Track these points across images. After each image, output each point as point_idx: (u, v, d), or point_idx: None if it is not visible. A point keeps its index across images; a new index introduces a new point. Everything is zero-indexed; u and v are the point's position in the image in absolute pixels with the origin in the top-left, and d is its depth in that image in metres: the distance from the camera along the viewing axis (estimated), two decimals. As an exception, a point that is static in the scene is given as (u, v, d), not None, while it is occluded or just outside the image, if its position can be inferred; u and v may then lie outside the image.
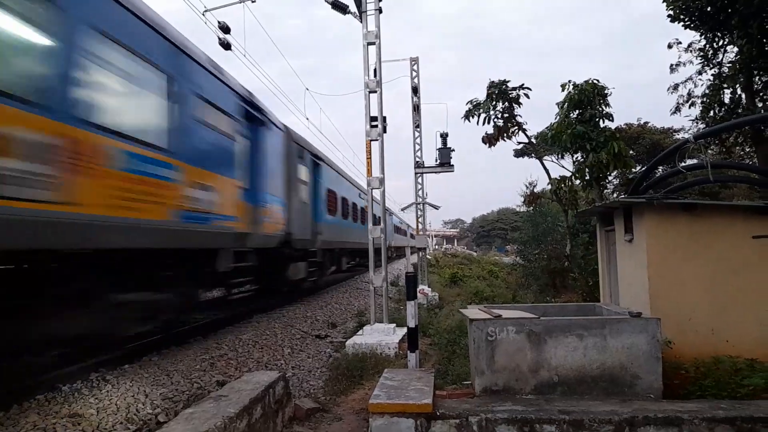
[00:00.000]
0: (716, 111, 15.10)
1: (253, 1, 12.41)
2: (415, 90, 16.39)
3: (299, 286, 13.63)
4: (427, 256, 20.65)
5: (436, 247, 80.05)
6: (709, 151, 16.89)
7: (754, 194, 17.05)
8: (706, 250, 6.12)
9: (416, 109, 16.57)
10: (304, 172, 13.61)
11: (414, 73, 16.43)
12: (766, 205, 6.14)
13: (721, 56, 15.25)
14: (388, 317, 9.44)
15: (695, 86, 17.45)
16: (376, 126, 9.43)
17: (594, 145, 11.64)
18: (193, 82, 7.72)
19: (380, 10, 9.56)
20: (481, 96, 14.11)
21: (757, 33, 12.12)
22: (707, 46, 15.31)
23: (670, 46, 17.08)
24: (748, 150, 17.32)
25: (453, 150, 16.67)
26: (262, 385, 4.67)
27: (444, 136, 16.78)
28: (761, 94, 14.48)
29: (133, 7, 6.21)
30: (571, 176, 13.44)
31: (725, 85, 14.87)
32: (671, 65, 17.68)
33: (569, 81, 12.39)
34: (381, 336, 8.62)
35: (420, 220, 17.39)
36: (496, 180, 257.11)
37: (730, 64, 14.66)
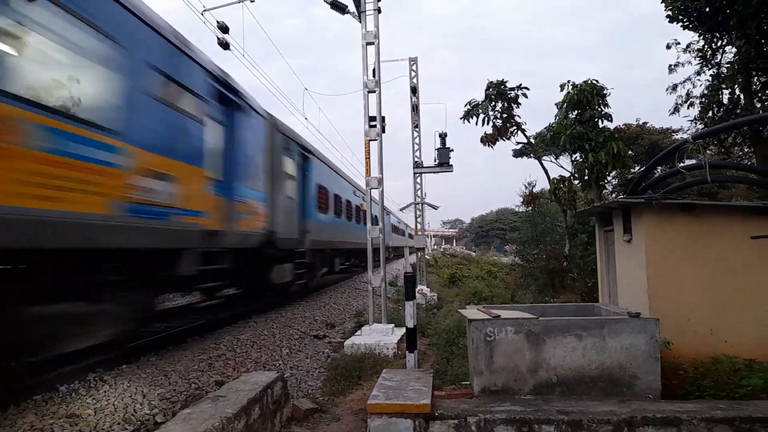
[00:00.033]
0: (715, 111, 15.10)
1: (252, 1, 12.39)
2: (414, 90, 16.39)
3: (286, 289, 12.82)
4: (426, 257, 20.65)
5: (435, 247, 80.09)
6: (708, 152, 16.94)
7: (752, 194, 17.07)
8: (705, 250, 6.12)
9: (415, 109, 16.57)
10: (290, 166, 12.63)
11: (413, 74, 16.44)
12: (765, 206, 6.13)
13: (719, 57, 15.25)
14: (386, 317, 9.43)
15: (694, 87, 17.49)
16: (375, 126, 9.42)
17: (593, 146, 11.65)
18: (150, 53, 6.61)
19: (379, 10, 9.56)
20: (481, 96, 14.14)
21: (756, 34, 12.12)
22: (706, 46, 15.32)
23: (668, 47, 17.11)
24: (746, 150, 17.32)
25: (452, 150, 16.68)
26: (260, 385, 4.66)
27: (443, 136, 16.78)
28: (760, 94, 14.48)
29: None
30: (570, 176, 13.45)
31: (724, 86, 14.87)
32: (670, 66, 17.72)
33: (568, 81, 12.40)
34: (379, 336, 8.61)
35: (419, 220, 17.38)
36: (495, 180, 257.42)
37: (729, 65, 14.66)
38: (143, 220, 6.32)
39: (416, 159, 16.64)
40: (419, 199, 17.26)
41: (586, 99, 11.99)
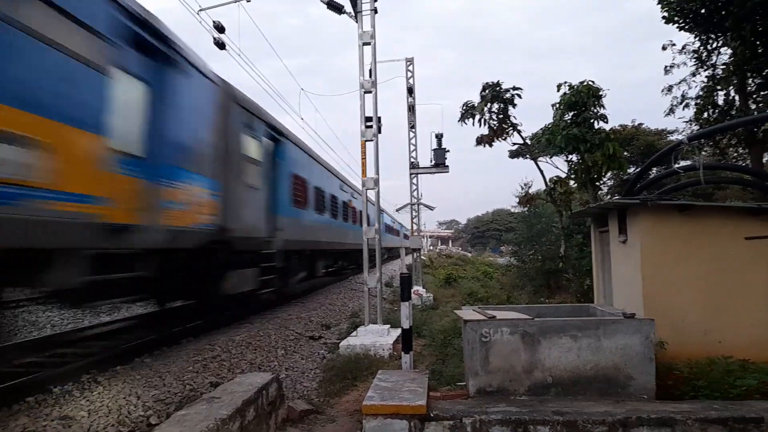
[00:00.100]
0: (710, 113, 15.18)
1: (248, 1, 12.37)
2: (410, 90, 16.40)
3: (248, 300, 10.58)
4: (422, 257, 20.65)
5: (431, 247, 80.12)
6: (704, 153, 16.99)
7: (747, 195, 17.14)
8: (700, 251, 6.14)
9: (411, 109, 16.58)
10: (254, 148, 10.33)
11: (409, 74, 16.45)
12: (759, 207, 6.16)
13: (714, 58, 15.33)
14: (382, 318, 9.42)
15: (689, 88, 17.54)
16: (371, 126, 9.41)
17: (588, 147, 11.68)
18: None
19: (375, 11, 9.56)
20: (478, 96, 14.16)
21: (751, 35, 12.19)
22: (701, 48, 15.39)
23: (664, 48, 17.17)
24: (741, 151, 17.41)
25: (448, 151, 16.69)
26: (255, 386, 4.64)
27: (439, 137, 16.79)
28: (754, 96, 14.57)
29: None
30: (566, 177, 13.47)
31: (719, 87, 14.96)
32: (666, 67, 17.76)
33: (565, 82, 12.43)
34: (375, 337, 8.60)
35: (415, 220, 17.38)
36: (491, 181, 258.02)
37: (724, 66, 14.74)
38: None
39: (412, 159, 16.65)
40: (415, 200, 17.26)
41: (581, 100, 12.03)
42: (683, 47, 16.62)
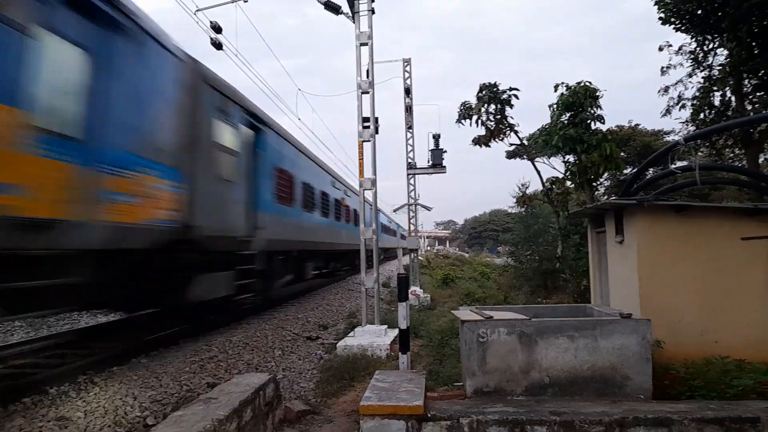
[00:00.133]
0: (706, 113, 15.22)
1: (245, 1, 12.36)
2: (408, 91, 16.42)
3: (226, 306, 9.53)
4: (419, 258, 20.65)
5: (428, 248, 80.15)
6: (700, 153, 17.06)
7: (743, 196, 17.20)
8: (696, 251, 6.16)
9: (408, 110, 16.60)
10: (229, 136, 9.16)
11: (406, 75, 16.47)
12: (755, 207, 6.18)
13: (711, 59, 15.38)
14: (379, 319, 9.42)
15: (685, 89, 17.59)
16: (368, 127, 9.42)
17: (585, 148, 11.70)
18: None
19: (373, 11, 9.57)
20: (475, 97, 14.17)
21: (747, 36, 12.23)
22: (697, 48, 15.44)
23: (661, 49, 17.21)
24: (737, 152, 17.46)
25: (445, 151, 16.72)
26: (252, 387, 4.63)
27: (436, 138, 16.82)
28: (750, 96, 14.62)
29: None
30: (563, 178, 13.49)
31: (715, 88, 15.00)
32: (662, 68, 17.80)
33: (562, 83, 12.45)
34: (372, 337, 8.60)
35: (412, 221, 17.39)
36: (489, 181, 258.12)
37: (720, 67, 14.79)
38: None
39: (410, 160, 16.66)
40: (412, 200, 17.27)
41: (578, 101, 12.04)
42: (680, 48, 16.68)
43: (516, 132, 14.36)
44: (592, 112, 12.16)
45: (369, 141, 9.44)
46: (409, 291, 8.41)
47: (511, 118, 14.15)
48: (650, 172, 13.42)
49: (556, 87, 12.50)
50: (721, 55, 14.79)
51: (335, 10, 9.88)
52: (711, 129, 12.14)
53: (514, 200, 17.97)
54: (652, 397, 4.88)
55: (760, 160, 16.81)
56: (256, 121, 10.59)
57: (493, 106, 13.87)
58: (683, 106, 17.44)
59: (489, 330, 5.09)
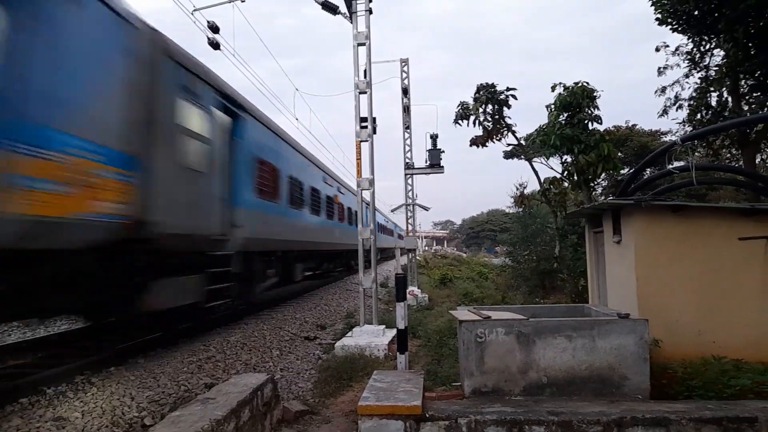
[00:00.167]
0: (703, 114, 15.28)
1: (242, 1, 12.34)
2: (405, 91, 16.42)
3: (194, 314, 8.54)
4: (417, 258, 20.65)
5: (426, 248, 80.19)
6: (697, 154, 17.11)
7: (740, 196, 17.26)
8: (694, 251, 6.17)
9: (406, 110, 16.60)
10: (199, 120, 8.02)
11: (404, 75, 16.47)
12: (752, 207, 6.19)
13: (707, 60, 15.45)
14: (377, 319, 9.42)
15: (682, 89, 17.68)
16: (366, 127, 9.42)
17: (582, 148, 11.72)
18: None
19: (370, 11, 9.56)
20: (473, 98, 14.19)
21: (743, 37, 12.27)
22: (694, 49, 15.50)
23: (657, 50, 17.28)
24: (734, 152, 17.53)
25: (443, 151, 16.72)
26: (250, 387, 4.63)
27: (434, 138, 16.82)
28: (747, 97, 14.67)
29: None
30: (560, 178, 13.51)
31: (712, 89, 15.06)
32: (659, 68, 17.88)
33: (559, 83, 12.48)
34: (370, 337, 8.60)
35: (410, 221, 17.40)
36: (487, 181, 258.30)
37: (717, 68, 14.85)
38: None
39: (407, 160, 16.66)
40: (410, 201, 17.28)
41: (576, 101, 12.07)
42: (676, 49, 16.76)
43: (513, 132, 14.40)
44: (590, 112, 12.19)
45: (367, 141, 9.44)
46: (407, 291, 8.40)
47: (509, 118, 14.20)
48: (647, 172, 13.49)
49: (553, 87, 12.54)
50: (718, 55, 14.89)
51: (333, 10, 9.88)
52: (708, 129, 12.16)
53: (512, 200, 18.00)
54: (650, 397, 4.89)
55: (757, 160, 16.86)
56: (233, 106, 9.45)
57: (490, 107, 13.90)
58: (680, 107, 17.53)
59: (487, 330, 5.09)
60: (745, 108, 14.42)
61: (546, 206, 15.25)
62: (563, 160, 13.11)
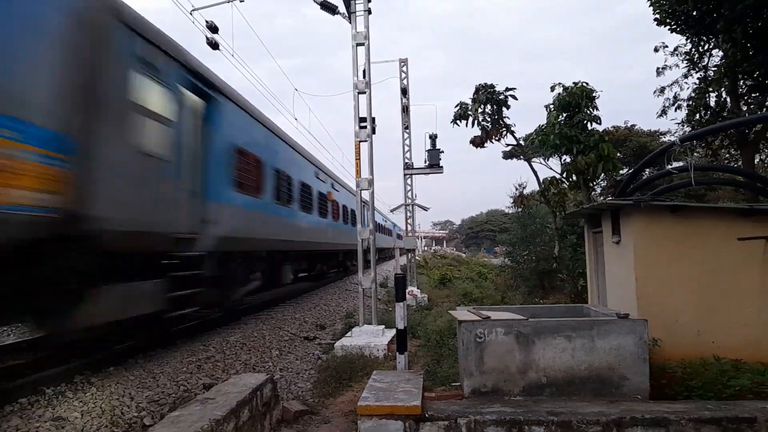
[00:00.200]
0: (702, 114, 15.30)
1: (241, 1, 12.34)
2: (404, 91, 16.42)
3: (154, 328, 7.61)
4: (416, 258, 20.65)
5: (425, 248, 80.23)
6: (696, 154, 17.14)
7: (739, 196, 17.29)
8: (693, 251, 6.18)
9: (405, 110, 16.60)
10: (160, 99, 6.95)
11: (403, 75, 16.47)
12: (751, 208, 6.20)
13: (706, 60, 15.48)
14: (376, 319, 9.42)
15: (681, 89, 17.71)
16: (365, 127, 9.42)
17: (581, 148, 11.73)
18: None
19: (369, 11, 9.57)
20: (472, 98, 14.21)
21: (742, 37, 12.29)
22: (693, 49, 15.52)
23: (656, 50, 17.31)
24: (733, 153, 17.56)
25: (442, 151, 16.73)
26: (249, 387, 4.63)
27: (433, 138, 16.83)
28: (746, 97, 14.70)
29: None
30: (559, 178, 13.52)
31: (711, 89, 15.08)
32: (658, 68, 17.90)
33: (559, 84, 12.49)
34: (370, 338, 8.60)
35: (409, 221, 17.40)
36: (486, 181, 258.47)
37: (716, 68, 14.87)
38: None
39: (406, 160, 16.67)
40: (410, 201, 17.28)
41: (575, 101, 12.07)
42: (675, 49, 16.78)
43: (512, 132, 14.41)
44: (589, 112, 12.20)
45: (366, 141, 9.44)
46: (407, 291, 8.40)
47: (507, 118, 14.20)
48: (646, 172, 13.51)
49: (552, 87, 12.55)
50: (717, 56, 14.92)
51: (332, 10, 9.88)
52: (707, 130, 12.18)
53: (511, 200, 18.01)
54: (650, 397, 4.89)
55: (756, 160, 16.88)
56: (207, 87, 8.33)
57: (489, 107, 13.91)
58: (679, 107, 17.55)
59: (486, 330, 5.09)
60: (744, 108, 14.45)
61: (545, 206, 15.25)
62: (562, 161, 13.13)
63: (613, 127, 27.25)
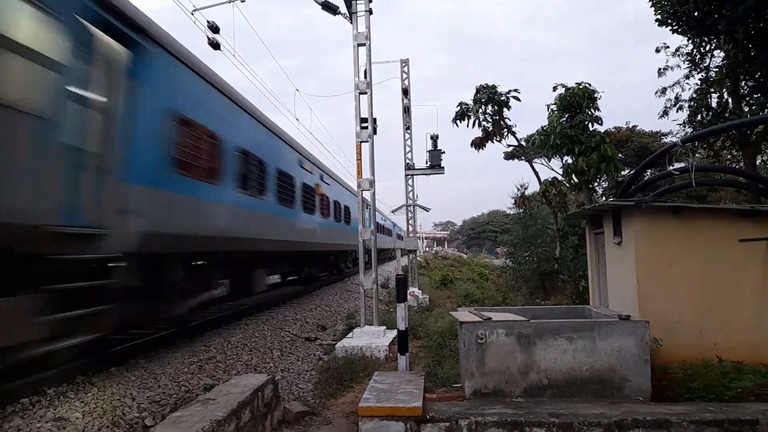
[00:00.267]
0: (703, 115, 15.30)
1: (242, 1, 12.35)
2: (406, 92, 16.42)
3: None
4: (418, 259, 20.64)
5: (427, 249, 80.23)
6: (698, 155, 17.12)
7: (741, 197, 17.27)
8: (694, 252, 6.17)
9: (406, 110, 16.59)
10: (32, 29, 4.82)
11: (404, 75, 16.46)
12: (752, 209, 6.19)
13: (708, 61, 15.48)
14: (378, 319, 9.42)
15: (683, 90, 17.72)
16: (367, 128, 9.42)
17: (583, 149, 11.72)
18: None
19: (370, 12, 9.57)
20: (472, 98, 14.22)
21: (743, 38, 12.28)
22: (694, 50, 15.52)
23: (658, 51, 17.31)
24: (735, 153, 17.54)
25: (443, 152, 16.72)
26: (250, 388, 4.63)
27: (434, 138, 16.82)
28: (747, 98, 14.69)
29: None
30: (560, 181, 13.51)
31: (712, 90, 15.08)
32: (659, 69, 17.90)
33: (560, 84, 12.48)
34: (371, 338, 8.60)
35: (410, 222, 17.40)
36: (487, 182, 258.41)
37: (717, 69, 14.86)
38: None
39: (408, 161, 16.66)
40: (411, 201, 17.28)
41: (577, 102, 12.06)
42: (677, 50, 16.78)
43: (514, 133, 14.41)
44: (590, 113, 12.19)
45: (367, 142, 9.44)
46: (408, 292, 8.39)
47: (508, 119, 14.21)
48: (648, 173, 13.49)
49: (554, 88, 12.54)
50: (718, 57, 14.91)
51: (333, 10, 9.89)
52: (708, 131, 12.18)
53: (513, 201, 18.01)
54: (651, 399, 4.89)
55: (757, 161, 16.87)
56: (134, 31, 6.36)
57: (490, 108, 13.91)
58: (680, 108, 17.56)
59: (488, 331, 5.09)
60: (746, 109, 14.44)
61: (546, 207, 15.24)
62: (564, 162, 13.11)
63: (615, 127, 27.25)
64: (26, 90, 4.80)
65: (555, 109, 12.42)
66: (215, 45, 12.23)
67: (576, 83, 12.30)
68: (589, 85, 12.25)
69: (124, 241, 6.01)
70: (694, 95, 16.01)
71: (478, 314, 5.57)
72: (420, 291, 15.56)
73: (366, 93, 9.50)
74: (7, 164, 4.57)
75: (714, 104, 15.13)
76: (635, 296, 6.17)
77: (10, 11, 4.69)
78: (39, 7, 4.90)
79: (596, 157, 11.45)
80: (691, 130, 16.26)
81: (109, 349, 6.97)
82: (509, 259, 21.64)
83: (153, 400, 5.47)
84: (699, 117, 15.45)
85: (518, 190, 17.43)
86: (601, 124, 12.32)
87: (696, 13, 13.35)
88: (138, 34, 6.47)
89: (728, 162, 18.19)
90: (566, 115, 12.30)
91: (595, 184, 13.97)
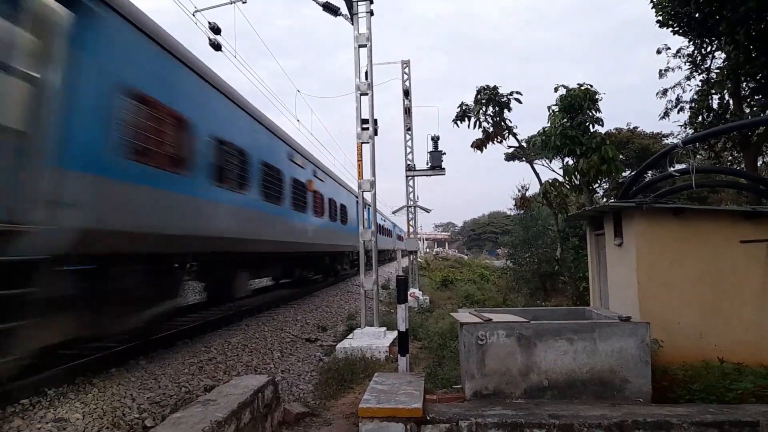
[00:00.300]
0: (704, 116, 15.28)
1: (243, 2, 12.36)
2: (407, 93, 16.42)
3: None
4: (418, 260, 20.64)
5: (427, 250, 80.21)
6: (699, 156, 17.11)
7: (741, 199, 17.26)
8: (695, 254, 6.16)
9: (407, 111, 16.60)
10: None
11: (405, 76, 16.47)
12: (753, 210, 6.19)
13: (709, 62, 15.46)
14: (378, 321, 9.41)
15: (684, 91, 17.71)
16: (367, 128, 9.42)
17: (584, 150, 11.72)
18: None
19: (371, 13, 9.57)
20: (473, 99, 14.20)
21: (744, 39, 12.27)
22: (695, 51, 15.51)
23: (659, 52, 17.29)
24: (736, 155, 17.53)
25: (444, 153, 16.72)
26: (250, 389, 4.63)
27: (435, 140, 16.82)
28: (748, 99, 14.68)
29: None
30: (561, 182, 13.50)
31: (713, 91, 15.06)
32: (660, 70, 17.90)
33: (562, 85, 12.48)
34: (371, 339, 8.60)
35: (411, 223, 17.40)
36: (488, 183, 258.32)
37: (718, 70, 14.85)
38: None
39: (409, 162, 16.67)
40: (412, 202, 17.28)
41: (578, 103, 12.06)
42: (678, 51, 16.76)
43: (515, 134, 14.40)
44: (591, 114, 12.19)
45: (368, 143, 9.44)
46: (408, 293, 8.39)
47: (509, 120, 14.20)
48: (649, 174, 13.47)
49: (556, 88, 12.54)
50: (719, 58, 14.89)
51: (334, 11, 9.90)
52: (709, 132, 12.16)
53: (514, 202, 18.00)
54: (651, 401, 4.88)
55: (759, 163, 16.86)
56: None
57: (491, 109, 13.90)
58: (681, 109, 17.56)
59: (488, 332, 5.09)
60: (747, 111, 14.43)
61: (547, 208, 15.24)
62: (564, 163, 13.11)
63: (616, 129, 27.26)
64: None
65: (556, 110, 12.43)
66: (217, 46, 12.24)
67: (577, 84, 12.31)
68: (591, 86, 12.25)
69: (55, 239, 4.94)
70: (695, 96, 15.99)
71: (478, 315, 5.57)
72: (420, 292, 15.56)
73: (367, 94, 9.50)
74: None
75: (715, 105, 15.12)
76: (636, 297, 6.16)
77: None
78: None
79: (597, 158, 11.45)
80: (692, 131, 16.24)
81: (109, 350, 6.98)
82: (510, 260, 21.63)
83: (153, 400, 5.47)
84: (700, 118, 15.44)
85: (519, 191, 17.44)
86: (602, 126, 12.32)
87: (697, 15, 13.34)
88: None
89: (729, 163, 18.17)
90: (567, 116, 12.31)
91: (596, 185, 13.96)
